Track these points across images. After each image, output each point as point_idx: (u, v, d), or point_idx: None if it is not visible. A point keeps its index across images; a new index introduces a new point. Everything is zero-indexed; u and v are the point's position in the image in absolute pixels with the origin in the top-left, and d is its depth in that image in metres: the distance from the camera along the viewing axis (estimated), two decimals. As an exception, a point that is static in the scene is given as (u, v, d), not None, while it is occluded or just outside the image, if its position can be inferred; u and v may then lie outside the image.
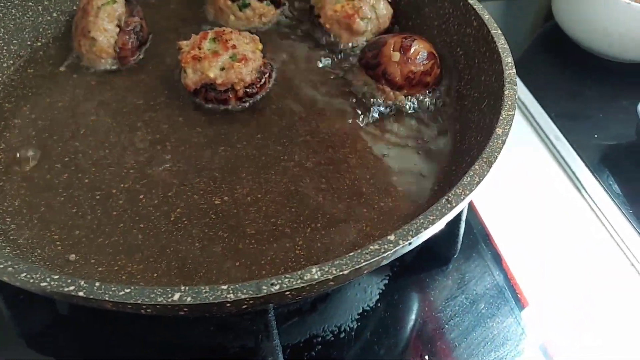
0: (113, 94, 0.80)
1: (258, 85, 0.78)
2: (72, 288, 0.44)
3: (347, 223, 0.66)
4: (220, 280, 0.60)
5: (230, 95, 0.77)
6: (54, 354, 0.66)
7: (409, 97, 0.80)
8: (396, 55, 0.78)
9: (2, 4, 0.79)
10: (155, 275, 0.60)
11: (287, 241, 0.64)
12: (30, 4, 0.83)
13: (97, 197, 0.67)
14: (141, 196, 0.68)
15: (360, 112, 0.79)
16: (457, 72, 0.83)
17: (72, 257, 0.60)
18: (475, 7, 0.80)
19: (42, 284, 0.44)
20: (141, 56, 0.84)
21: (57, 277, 0.44)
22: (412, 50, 0.78)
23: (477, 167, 0.57)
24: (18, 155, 0.70)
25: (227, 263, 0.61)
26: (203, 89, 0.77)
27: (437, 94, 0.81)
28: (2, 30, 0.79)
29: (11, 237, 0.60)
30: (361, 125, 0.78)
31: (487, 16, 0.78)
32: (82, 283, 0.44)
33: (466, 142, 0.73)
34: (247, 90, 0.77)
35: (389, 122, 0.79)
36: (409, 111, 0.80)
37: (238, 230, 0.65)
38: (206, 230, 0.65)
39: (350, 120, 0.78)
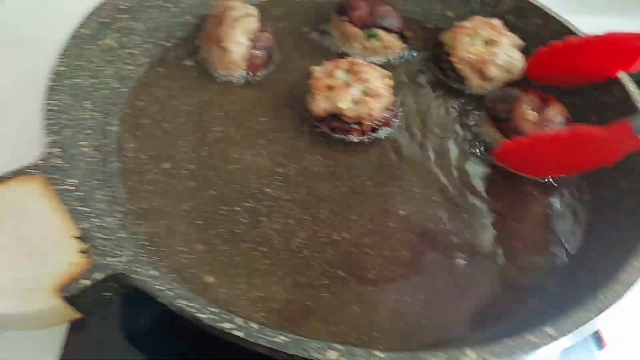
0: (237, 106, 0.80)
1: (383, 121, 0.77)
2: (227, 325, 0.44)
3: (472, 281, 0.65)
4: (341, 326, 0.59)
5: (355, 128, 0.76)
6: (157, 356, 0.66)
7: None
8: (531, 114, 0.76)
9: (145, 5, 0.80)
10: (275, 307, 0.59)
11: (406, 293, 0.63)
12: (167, 5, 0.84)
13: (221, 212, 0.67)
14: (263, 218, 0.67)
15: (481, 158, 0.78)
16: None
17: (211, 279, 0.60)
18: (619, 76, 0.77)
19: (199, 315, 0.44)
20: (266, 72, 0.85)
21: (216, 310, 0.44)
22: (550, 111, 0.76)
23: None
24: (146, 156, 0.71)
25: (346, 307, 0.60)
26: (329, 117, 0.76)
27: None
28: (143, 28, 0.80)
29: (142, 242, 0.61)
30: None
31: (632, 87, 0.75)
32: (239, 322, 0.43)
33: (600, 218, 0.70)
34: (373, 124, 0.77)
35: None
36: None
37: (357, 273, 0.64)
38: (325, 266, 0.64)
39: (472, 174, 0.77)
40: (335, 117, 0.76)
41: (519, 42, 0.88)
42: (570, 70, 0.78)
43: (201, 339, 0.49)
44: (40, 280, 0.42)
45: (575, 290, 0.61)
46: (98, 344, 0.63)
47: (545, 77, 0.82)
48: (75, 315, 0.46)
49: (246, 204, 0.68)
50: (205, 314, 0.43)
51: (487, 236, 0.70)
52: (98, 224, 0.47)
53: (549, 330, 0.48)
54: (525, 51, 0.89)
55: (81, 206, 0.48)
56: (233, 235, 0.65)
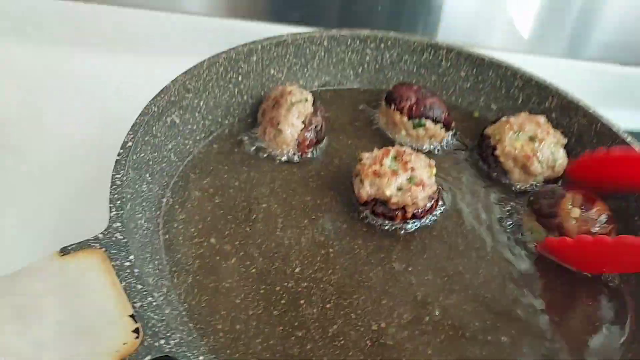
0: (284, 184, 0.83)
1: (426, 210, 0.79)
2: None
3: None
4: None
5: (399, 214, 0.78)
6: None
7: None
8: (576, 212, 0.76)
9: (209, 85, 0.86)
10: (311, 399, 0.59)
11: (442, 392, 0.61)
12: (230, 86, 0.90)
13: (262, 291, 0.68)
14: (302, 300, 0.68)
15: (524, 251, 0.78)
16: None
17: None
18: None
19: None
20: (315, 153, 0.88)
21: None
22: (594, 210, 0.76)
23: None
24: (194, 228, 0.74)
25: (381, 403, 0.59)
26: (373, 202, 0.78)
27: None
28: (204, 106, 0.86)
29: (184, 319, 0.62)
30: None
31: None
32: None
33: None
34: (415, 212, 0.78)
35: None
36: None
37: (393, 366, 0.63)
38: (362, 357, 0.63)
39: (514, 267, 0.76)
40: (380, 203, 0.78)
41: (563, 140, 0.89)
42: (610, 178, 0.79)
43: None
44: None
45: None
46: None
47: (586, 181, 0.83)
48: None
49: (286, 285, 0.69)
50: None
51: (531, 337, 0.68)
52: (151, 302, 0.49)
53: None
54: (568, 149, 0.91)
55: (137, 283, 0.51)
56: (270, 317, 0.65)
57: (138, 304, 0.49)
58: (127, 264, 0.52)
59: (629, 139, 0.85)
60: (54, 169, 0.87)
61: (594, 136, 0.89)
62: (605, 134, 0.87)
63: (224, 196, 0.80)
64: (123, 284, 0.50)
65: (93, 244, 0.53)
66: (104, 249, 0.53)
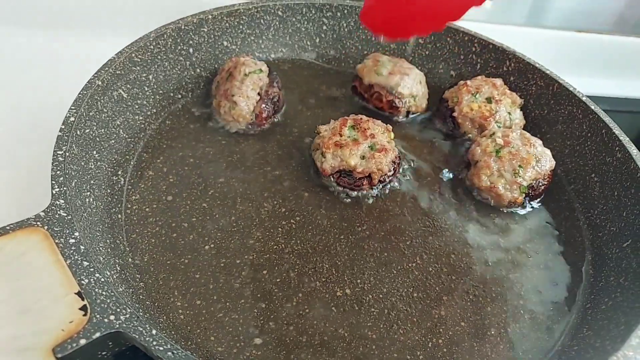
0: (241, 157, 0.81)
1: (389, 175, 0.78)
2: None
3: (471, 343, 0.63)
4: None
5: (365, 183, 0.77)
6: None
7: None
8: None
9: (158, 58, 0.82)
10: (275, 367, 0.58)
11: (408, 353, 0.61)
12: (180, 58, 0.86)
13: (221, 264, 0.66)
14: (264, 271, 0.67)
15: (483, 221, 0.78)
16: (589, 199, 0.81)
17: (209, 337, 0.58)
18: (621, 138, 0.78)
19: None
20: (272, 125, 0.86)
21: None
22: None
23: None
24: (149, 208, 0.71)
25: (347, 370, 0.59)
26: (337, 174, 0.77)
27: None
28: (153, 80, 0.82)
29: (141, 297, 0.60)
30: (482, 234, 0.76)
31: (635, 151, 0.76)
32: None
33: (602, 279, 0.69)
34: (381, 178, 0.77)
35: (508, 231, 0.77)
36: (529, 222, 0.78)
37: (359, 332, 0.62)
38: (327, 324, 0.63)
39: (473, 228, 0.76)
40: (344, 174, 0.77)
41: (520, 101, 0.90)
42: (399, 18, 0.75)
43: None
44: (35, 339, 0.41)
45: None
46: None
47: (375, 24, 0.79)
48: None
49: (247, 257, 0.68)
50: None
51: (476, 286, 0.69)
52: (99, 278, 0.47)
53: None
54: (526, 111, 0.92)
55: (83, 260, 0.48)
56: (232, 290, 0.64)
57: (85, 281, 0.46)
58: (72, 241, 0.49)
59: (585, 99, 0.86)
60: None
61: (552, 97, 0.90)
62: (563, 94, 0.88)
63: (179, 174, 0.77)
64: (68, 262, 0.47)
65: (34, 223, 0.50)
66: (45, 227, 0.50)
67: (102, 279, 0.47)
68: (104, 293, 0.46)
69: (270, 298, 0.64)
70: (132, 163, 0.75)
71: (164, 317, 0.59)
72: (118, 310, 0.45)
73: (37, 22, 1.06)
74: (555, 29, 1.38)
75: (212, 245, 0.68)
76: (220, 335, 0.59)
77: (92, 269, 0.47)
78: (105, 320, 0.44)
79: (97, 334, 0.43)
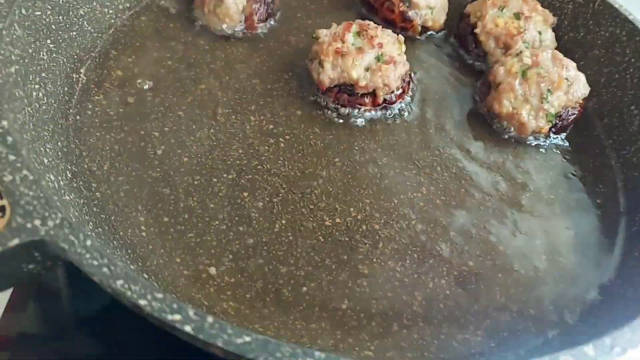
0: (227, 64, 0.70)
1: (397, 94, 0.67)
2: (177, 317, 0.34)
3: (477, 285, 0.55)
4: (323, 325, 0.49)
5: (367, 101, 0.66)
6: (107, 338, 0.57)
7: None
8: None
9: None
10: (247, 296, 0.50)
11: (405, 294, 0.53)
12: (160, -55, 0.73)
13: (196, 182, 0.57)
14: (245, 193, 0.57)
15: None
16: (625, 134, 0.70)
17: (168, 260, 0.50)
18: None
19: (141, 302, 0.34)
20: (266, 29, 0.74)
21: (160, 296, 0.34)
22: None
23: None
24: (114, 112, 0.61)
25: (332, 302, 0.51)
26: (336, 88, 0.66)
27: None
28: (127, -33, 0.70)
29: (94, 209, 0.51)
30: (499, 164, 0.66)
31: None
32: (192, 314, 0.34)
33: (637, 224, 0.60)
34: (387, 97, 0.66)
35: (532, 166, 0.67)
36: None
37: (349, 265, 0.54)
38: (312, 253, 0.54)
39: (487, 162, 0.67)
40: (344, 89, 0.66)
41: (552, 19, 0.77)
42: None
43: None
44: None
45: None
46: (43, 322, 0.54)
47: None
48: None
49: (226, 176, 0.59)
50: (148, 301, 0.34)
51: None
52: (27, 176, 0.38)
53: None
54: (559, 32, 0.79)
55: (9, 153, 0.39)
56: (206, 210, 0.55)
57: (8, 178, 0.37)
58: (-1, 130, 0.40)
59: (632, 18, 0.73)
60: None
61: (591, 16, 0.77)
62: (605, 13, 0.75)
63: (153, 76, 0.66)
64: (-11, 153, 0.38)
65: (-48, 104, 0.40)
66: (-34, 110, 0.40)
67: (31, 177, 0.38)
68: (30, 193, 0.37)
69: (249, 222, 0.55)
70: (97, 60, 0.65)
71: (121, 233, 0.50)
72: (47, 214, 0.36)
73: None
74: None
75: (185, 160, 0.59)
76: (187, 258, 0.51)
77: (19, 165, 0.38)
78: (28, 225, 0.35)
79: (16, 241, 0.34)
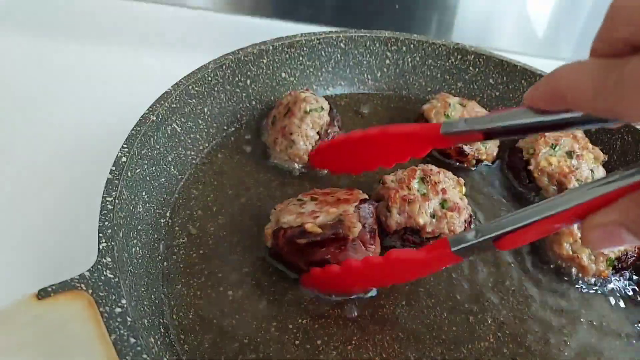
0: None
1: (456, 236, 0.70)
2: None
3: None
4: None
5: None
6: None
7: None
8: None
9: (215, 89, 0.77)
10: None
11: None
12: (237, 90, 0.81)
13: (272, 329, 0.59)
14: (319, 341, 0.59)
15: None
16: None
17: None
18: None
19: None
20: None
21: None
22: None
23: None
24: (196, 254, 0.65)
25: None
26: (402, 230, 0.69)
27: None
28: (208, 113, 0.77)
29: (189, 356, 0.54)
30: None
31: None
32: None
33: None
34: (449, 239, 0.70)
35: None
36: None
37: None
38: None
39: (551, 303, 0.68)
40: (410, 231, 0.69)
41: (603, 156, 0.81)
42: (348, 159, 0.70)
43: None
44: None
45: None
46: None
47: (326, 165, 0.76)
48: None
49: (300, 321, 0.61)
50: None
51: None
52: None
53: None
54: (609, 168, 0.83)
55: (130, 336, 0.42)
56: (283, 348, 0.57)
57: (131, 363, 0.40)
58: (119, 310, 0.44)
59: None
60: (39, 179, 0.78)
61: (637, 151, 0.81)
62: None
63: (229, 214, 0.71)
64: (113, 337, 0.41)
65: (77, 285, 0.44)
66: (90, 291, 0.44)
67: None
68: (150, 380, 0.40)
69: (325, 373, 0.57)
70: (180, 201, 0.70)
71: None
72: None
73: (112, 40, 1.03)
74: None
75: (263, 305, 0.62)
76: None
77: (139, 348, 0.41)
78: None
79: None
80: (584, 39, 1.31)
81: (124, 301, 0.44)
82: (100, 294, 0.45)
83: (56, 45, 1.02)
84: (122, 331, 0.42)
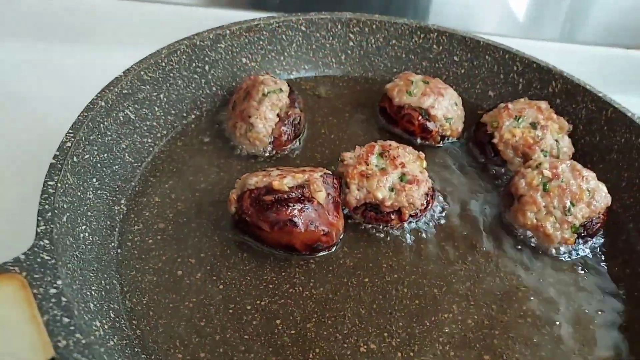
0: (257, 185, 0.74)
1: (422, 209, 0.69)
2: None
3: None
4: None
5: (393, 217, 0.68)
6: None
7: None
8: None
9: (170, 75, 0.76)
10: None
11: None
12: (195, 76, 0.80)
13: (230, 311, 0.59)
14: (278, 321, 0.58)
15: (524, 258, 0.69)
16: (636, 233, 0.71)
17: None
18: None
19: None
20: (292, 149, 0.79)
21: None
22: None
23: None
24: (152, 241, 0.64)
25: None
26: (363, 207, 0.68)
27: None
28: (165, 100, 0.76)
29: (135, 349, 0.52)
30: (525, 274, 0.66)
31: None
32: None
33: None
34: (412, 213, 0.69)
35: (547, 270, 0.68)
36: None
37: (385, 399, 0.54)
38: (346, 386, 0.54)
39: (516, 273, 0.67)
40: (371, 207, 0.69)
41: (568, 127, 0.80)
42: None
43: None
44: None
45: None
46: None
47: None
48: None
49: (260, 302, 0.60)
50: None
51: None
52: (79, 340, 0.39)
53: None
54: (575, 138, 0.82)
55: (64, 316, 0.41)
56: (241, 342, 0.56)
57: (62, 343, 0.39)
58: (53, 291, 0.43)
59: (644, 124, 0.76)
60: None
61: (605, 123, 0.80)
62: (619, 120, 0.78)
63: (189, 200, 0.70)
64: (45, 318, 0.40)
65: (11, 268, 0.43)
66: (24, 274, 0.43)
67: (84, 341, 0.39)
68: (83, 359, 0.38)
69: (284, 353, 0.56)
70: (136, 189, 0.69)
71: (162, 373, 0.51)
72: (97, 379, 0.38)
73: (47, 36, 1.02)
74: (595, 45, 1.28)
75: (220, 287, 0.61)
76: (225, 398, 0.52)
77: (72, 327, 0.40)
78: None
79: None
80: (570, 18, 1.30)
81: (59, 282, 0.43)
82: (35, 275, 0.43)
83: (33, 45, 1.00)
84: (55, 311, 0.41)
